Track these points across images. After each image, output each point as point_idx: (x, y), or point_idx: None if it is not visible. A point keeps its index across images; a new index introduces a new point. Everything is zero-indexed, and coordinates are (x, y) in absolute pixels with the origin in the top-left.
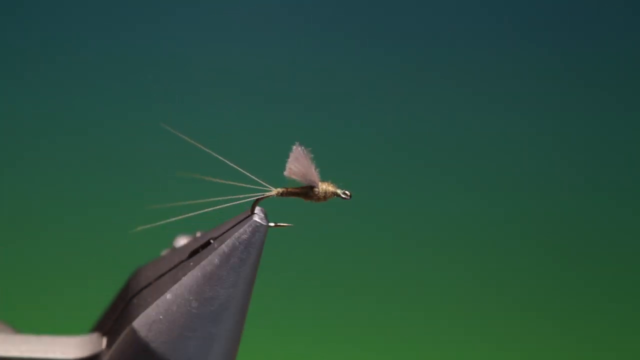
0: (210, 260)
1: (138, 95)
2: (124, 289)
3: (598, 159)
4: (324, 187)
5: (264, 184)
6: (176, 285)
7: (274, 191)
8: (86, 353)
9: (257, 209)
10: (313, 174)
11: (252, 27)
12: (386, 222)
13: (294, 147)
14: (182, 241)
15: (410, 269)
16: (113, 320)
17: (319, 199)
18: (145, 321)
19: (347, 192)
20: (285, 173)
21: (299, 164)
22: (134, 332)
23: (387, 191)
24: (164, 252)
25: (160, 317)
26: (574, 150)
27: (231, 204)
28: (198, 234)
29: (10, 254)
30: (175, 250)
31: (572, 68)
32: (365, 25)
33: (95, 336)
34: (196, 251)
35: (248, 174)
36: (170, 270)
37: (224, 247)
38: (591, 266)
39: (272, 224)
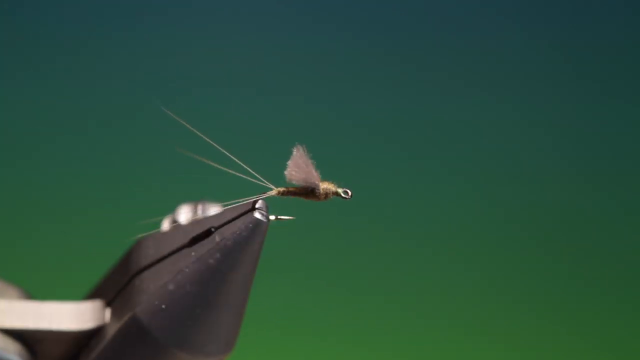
0: (212, 253)
1: (138, 93)
2: (125, 259)
3: (599, 158)
4: (325, 187)
5: (265, 182)
6: (179, 277)
7: (275, 190)
8: (92, 324)
9: (259, 203)
10: (314, 176)
11: (253, 26)
12: (386, 221)
13: (294, 151)
14: (184, 211)
15: (410, 269)
16: (115, 293)
17: (319, 198)
18: (148, 309)
19: (347, 190)
20: (287, 179)
21: (299, 169)
22: (137, 319)
23: (387, 190)
24: (165, 222)
25: (163, 306)
26: (574, 149)
27: (232, 205)
28: (200, 208)
29: (10, 254)
30: (176, 227)
31: (571, 64)
32: (366, 24)
33: (99, 305)
34: (198, 238)
35: (250, 170)
36: (171, 254)
37: (225, 242)
38: (591, 265)
39: (273, 217)
